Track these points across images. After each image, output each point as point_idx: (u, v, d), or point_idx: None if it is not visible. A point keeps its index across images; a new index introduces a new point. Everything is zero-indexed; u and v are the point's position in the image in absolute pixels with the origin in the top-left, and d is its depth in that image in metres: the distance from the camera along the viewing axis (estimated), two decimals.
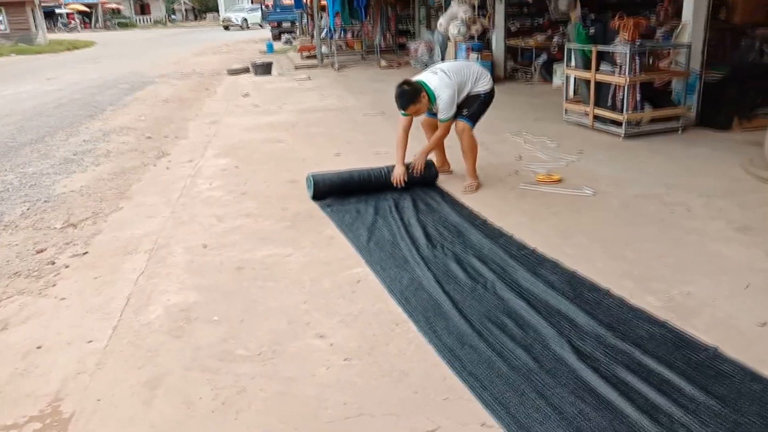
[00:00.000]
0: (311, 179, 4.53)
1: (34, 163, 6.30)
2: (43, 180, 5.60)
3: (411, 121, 4.61)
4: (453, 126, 4.64)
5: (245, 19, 40.40)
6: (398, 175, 4.53)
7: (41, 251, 3.84)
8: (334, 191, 4.52)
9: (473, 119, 4.70)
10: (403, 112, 4.56)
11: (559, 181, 4.74)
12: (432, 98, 4.48)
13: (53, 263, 3.64)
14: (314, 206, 4.38)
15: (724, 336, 2.51)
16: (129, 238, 3.98)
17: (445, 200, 4.41)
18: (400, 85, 4.49)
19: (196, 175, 5.42)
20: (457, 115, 4.60)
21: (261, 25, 37.59)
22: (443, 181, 4.83)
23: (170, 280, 3.29)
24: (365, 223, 3.98)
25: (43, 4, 34.71)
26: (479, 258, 3.33)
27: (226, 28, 39.91)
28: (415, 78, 4.64)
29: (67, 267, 3.58)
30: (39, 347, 2.69)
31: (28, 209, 4.76)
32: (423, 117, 4.87)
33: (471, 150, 4.74)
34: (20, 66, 19.57)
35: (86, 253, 3.77)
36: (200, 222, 4.20)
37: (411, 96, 4.45)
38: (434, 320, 2.70)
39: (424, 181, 4.71)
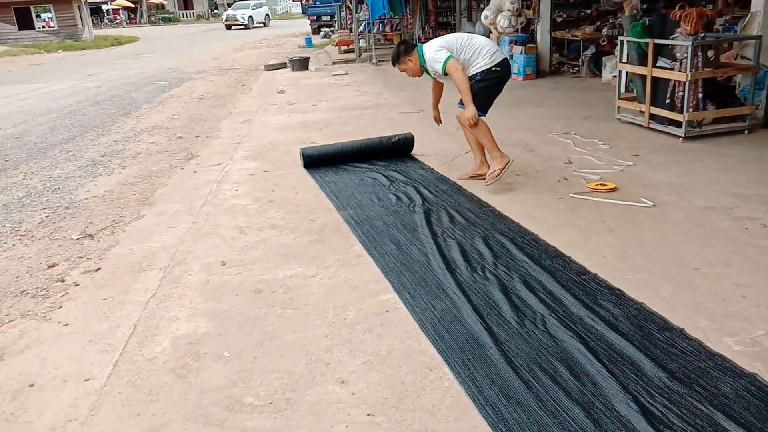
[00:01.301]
0: (302, 153, 5.35)
1: (61, 165, 6.14)
2: (68, 184, 5.42)
3: (456, 62, 4.27)
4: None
5: (251, 17, 37.38)
6: (471, 115, 4.34)
7: (53, 266, 3.62)
8: (323, 161, 5.31)
9: (479, 107, 4.36)
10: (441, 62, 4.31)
11: (615, 189, 4.28)
12: (422, 60, 4.45)
13: (63, 281, 3.40)
14: (342, 218, 4.04)
15: None
16: (145, 252, 3.72)
17: (485, 212, 4.01)
18: (398, 44, 4.71)
19: (222, 180, 5.15)
20: (459, 102, 4.41)
21: (264, 23, 37.34)
22: (481, 190, 4.43)
23: (182, 304, 3.00)
24: (393, 238, 3.62)
25: (89, 1, 35.36)
26: (527, 285, 2.93)
27: (229, 27, 36.21)
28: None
29: (77, 285, 3.33)
30: (32, 385, 2.42)
31: (47, 216, 4.56)
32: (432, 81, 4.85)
33: (476, 134, 4.56)
34: (64, 62, 19.86)
35: (99, 269, 3.52)
36: (222, 234, 3.91)
37: (397, 55, 4.58)
38: (473, 365, 2.32)
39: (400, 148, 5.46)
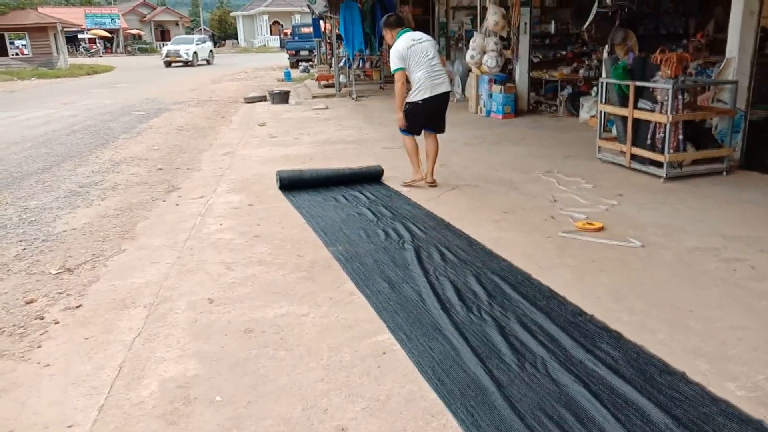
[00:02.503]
0: (278, 176, 5.68)
1: (38, 195, 5.98)
2: (45, 216, 5.26)
3: (403, 74, 5.25)
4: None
5: (196, 54, 33.28)
6: (399, 119, 5.38)
7: (31, 302, 3.47)
8: (299, 185, 5.61)
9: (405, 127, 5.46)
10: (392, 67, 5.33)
11: (602, 229, 4.31)
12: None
13: (42, 318, 3.26)
14: (331, 254, 3.98)
15: None
16: (128, 288, 3.60)
17: (475, 250, 3.99)
18: (396, 15, 5.63)
19: (206, 214, 5.05)
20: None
21: (208, 61, 34.22)
22: (470, 227, 4.42)
23: (169, 345, 2.89)
24: (384, 276, 3.57)
25: (65, 30, 35.16)
26: (524, 326, 2.89)
27: (168, 64, 32.24)
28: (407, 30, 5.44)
29: (56, 323, 3.19)
30: None
31: (24, 249, 4.41)
32: None
33: (406, 149, 5.63)
34: (38, 90, 19.58)
35: (80, 306, 3.38)
36: (207, 270, 3.81)
37: (387, 22, 5.45)
38: (477, 411, 2.26)
39: (369, 176, 5.80)
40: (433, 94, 5.26)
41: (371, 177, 5.89)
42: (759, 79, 6.25)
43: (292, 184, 5.65)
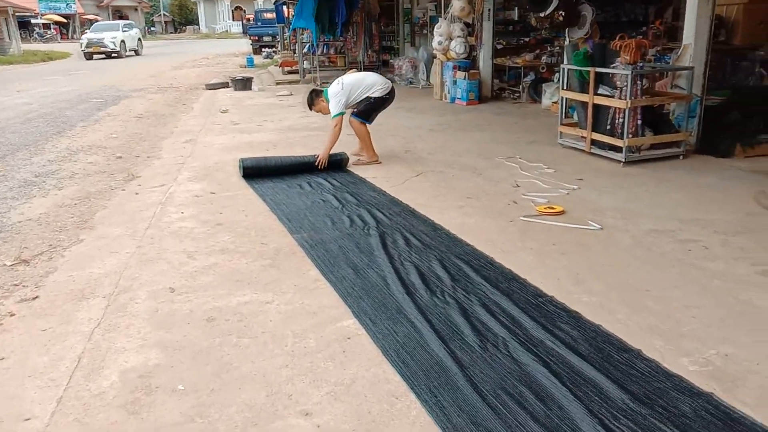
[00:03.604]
0: (241, 164, 5.67)
1: None
2: None
3: (341, 120, 5.81)
4: (349, 122, 6.03)
5: (123, 43, 28.41)
6: (322, 160, 5.76)
7: None
8: (262, 173, 5.63)
9: (361, 115, 6.00)
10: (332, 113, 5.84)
11: (563, 212, 4.39)
12: (326, 99, 5.91)
13: None
14: (296, 241, 3.96)
15: None
16: (87, 278, 3.52)
17: (439, 235, 4.02)
18: (309, 93, 6.20)
19: (166, 202, 4.97)
20: (352, 114, 6.01)
21: (136, 51, 29.95)
22: (434, 213, 4.45)
23: (130, 335, 2.84)
24: (349, 262, 3.58)
25: (17, 14, 33.91)
26: (486, 308, 2.93)
27: (89, 56, 26.99)
28: (325, 86, 6.19)
29: (12, 315, 3.11)
30: None
31: None
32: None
33: (359, 135, 6.08)
34: None
35: (36, 297, 3.30)
36: (169, 260, 3.75)
37: (310, 100, 6.12)
38: (440, 391, 2.29)
39: (335, 163, 5.90)
40: (389, 90, 6.05)
41: (336, 164, 5.88)
42: (714, 66, 6.42)
43: (255, 172, 5.60)
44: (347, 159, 6.01)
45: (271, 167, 5.69)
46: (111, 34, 28.02)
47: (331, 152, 5.80)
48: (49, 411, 2.29)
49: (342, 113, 5.80)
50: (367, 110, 6.01)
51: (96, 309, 3.12)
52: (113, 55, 27.43)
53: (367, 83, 5.95)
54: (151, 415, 2.25)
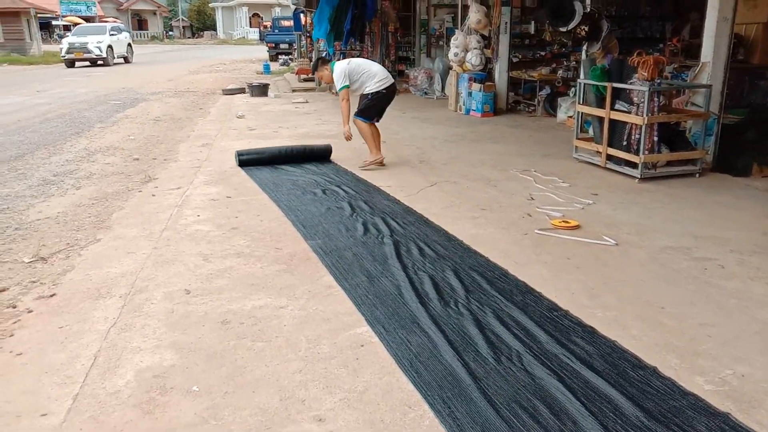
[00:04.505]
0: (237, 156, 6.35)
1: (10, 183, 5.87)
2: (17, 204, 5.16)
3: (347, 93, 6.03)
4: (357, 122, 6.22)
5: (111, 48, 24.78)
6: (346, 132, 6.19)
7: (3, 290, 3.41)
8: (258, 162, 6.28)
9: (362, 114, 6.17)
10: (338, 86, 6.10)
11: (578, 227, 4.38)
12: (332, 71, 6.12)
13: (14, 306, 3.20)
14: (310, 247, 3.98)
15: None
16: (104, 278, 3.55)
17: (453, 245, 4.03)
18: (316, 59, 6.61)
19: (183, 205, 5.01)
20: (355, 114, 6.19)
21: (126, 58, 26.61)
22: (448, 223, 4.45)
23: (145, 335, 2.87)
24: (363, 270, 3.59)
25: (39, 16, 34.42)
26: (501, 320, 2.93)
27: (71, 64, 23.96)
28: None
29: (30, 312, 3.15)
30: None
31: None
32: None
33: (364, 136, 6.22)
34: (10, 77, 19.15)
35: (53, 295, 3.34)
36: (184, 262, 3.78)
37: (315, 64, 6.65)
38: (453, 402, 2.28)
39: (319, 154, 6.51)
40: (390, 83, 6.21)
41: (321, 155, 6.54)
42: (732, 84, 6.40)
43: (250, 161, 6.29)
44: (330, 149, 6.61)
45: (264, 158, 6.36)
46: (96, 38, 24.40)
47: (317, 145, 6.57)
48: (65, 408, 2.31)
49: (346, 86, 6.00)
50: (367, 108, 6.19)
51: (112, 308, 3.15)
52: (99, 62, 24.23)
53: (372, 71, 6.14)
54: (166, 415, 2.26)
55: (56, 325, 2.98)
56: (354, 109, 6.20)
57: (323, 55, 14.72)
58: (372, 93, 6.11)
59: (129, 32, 29.94)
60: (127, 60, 26.80)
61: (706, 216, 4.67)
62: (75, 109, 11.33)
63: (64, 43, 24.47)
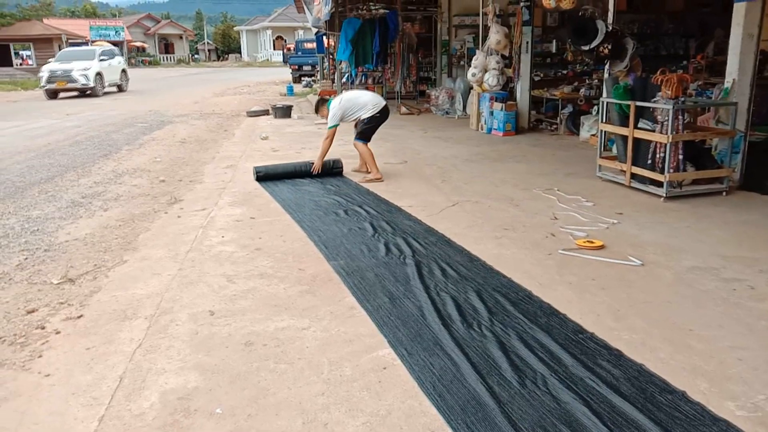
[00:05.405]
0: (254, 171, 6.83)
1: (40, 205, 6.00)
2: (47, 225, 5.28)
3: (333, 132, 6.71)
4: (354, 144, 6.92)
5: (100, 76, 20.85)
6: (316, 167, 6.80)
7: (32, 311, 3.47)
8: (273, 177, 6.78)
9: (361, 137, 6.80)
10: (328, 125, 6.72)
11: (602, 247, 4.33)
12: (329, 110, 6.70)
13: (43, 327, 3.26)
14: (332, 268, 4.00)
15: None
16: (130, 299, 3.61)
17: (476, 266, 4.01)
18: (317, 100, 7.19)
19: (208, 226, 5.07)
20: (355, 137, 6.87)
21: (120, 86, 22.88)
22: (470, 243, 4.44)
23: (170, 356, 2.89)
24: (385, 291, 3.59)
25: (70, 41, 35.45)
26: (525, 343, 2.90)
27: (53, 95, 20.26)
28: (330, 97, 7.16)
29: (57, 333, 3.20)
30: None
31: (25, 259, 4.42)
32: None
33: (366, 158, 6.80)
34: (42, 101, 19.65)
35: (81, 316, 3.39)
36: (209, 283, 3.82)
37: (317, 106, 7.12)
38: (477, 427, 2.26)
39: (332, 170, 6.95)
40: (382, 106, 6.79)
41: (331, 170, 6.92)
42: (758, 101, 6.31)
43: (267, 176, 6.76)
44: (341, 165, 7.02)
45: (279, 172, 6.85)
46: (83, 64, 20.38)
47: (326, 159, 6.85)
48: (91, 429, 2.34)
49: (336, 125, 6.64)
50: (365, 131, 6.80)
51: (138, 330, 3.19)
52: (87, 92, 20.48)
53: (361, 102, 6.74)
54: None
55: (83, 347, 3.03)
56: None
57: (345, 77, 14.95)
58: (368, 118, 6.70)
59: (122, 57, 25.81)
60: (121, 88, 23.01)
61: (733, 235, 4.58)
62: (103, 132, 11.58)
63: (44, 71, 20.32)
